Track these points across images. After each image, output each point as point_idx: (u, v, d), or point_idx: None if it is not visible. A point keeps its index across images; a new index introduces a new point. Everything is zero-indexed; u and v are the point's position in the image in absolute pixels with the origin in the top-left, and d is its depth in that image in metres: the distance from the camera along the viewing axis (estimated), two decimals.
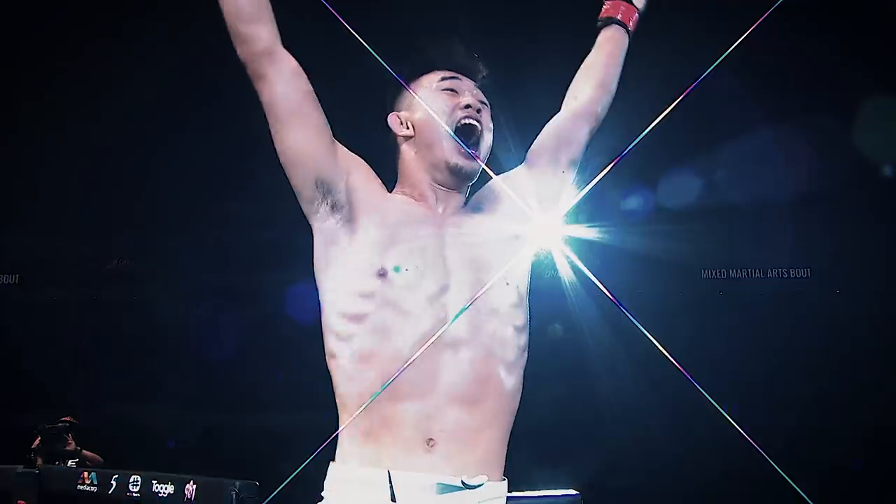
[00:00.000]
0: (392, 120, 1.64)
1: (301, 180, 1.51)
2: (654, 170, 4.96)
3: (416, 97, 1.62)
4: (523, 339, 1.54)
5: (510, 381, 1.48)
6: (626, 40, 1.85)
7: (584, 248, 4.89)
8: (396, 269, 1.46)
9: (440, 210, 1.60)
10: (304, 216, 1.55)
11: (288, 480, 1.75)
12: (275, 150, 1.51)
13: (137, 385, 5.54)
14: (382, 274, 1.46)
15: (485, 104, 1.63)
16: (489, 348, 1.46)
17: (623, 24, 1.85)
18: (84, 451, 4.11)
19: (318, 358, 1.54)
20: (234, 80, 1.53)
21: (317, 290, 1.54)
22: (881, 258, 5.18)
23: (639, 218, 5.07)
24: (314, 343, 1.60)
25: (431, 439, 1.40)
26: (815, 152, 4.72)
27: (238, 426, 5.53)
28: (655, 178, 5.04)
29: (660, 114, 2.12)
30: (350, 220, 1.52)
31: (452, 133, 1.57)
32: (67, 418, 4.20)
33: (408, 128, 1.62)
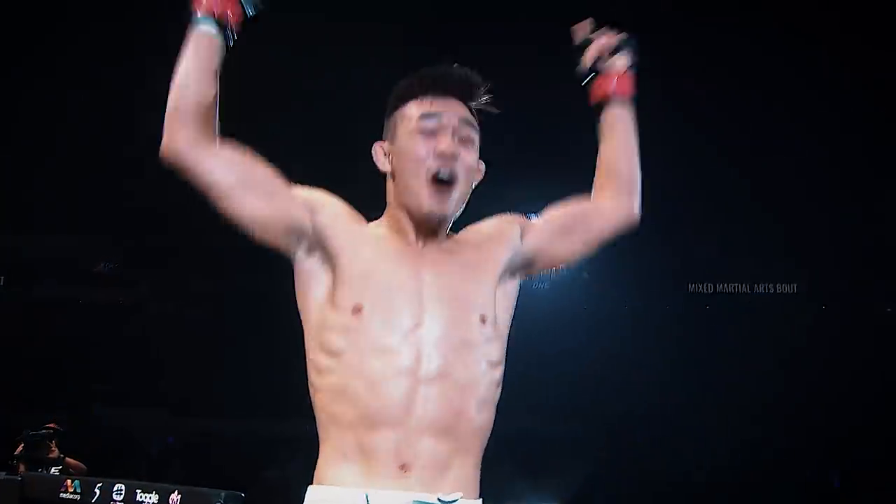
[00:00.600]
0: (375, 150, 1.63)
1: (269, 239, 1.51)
2: (642, 180, 4.96)
3: (397, 133, 1.60)
4: (497, 373, 1.56)
5: (482, 414, 1.51)
6: (630, 114, 1.71)
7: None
8: (371, 306, 1.49)
9: (420, 244, 1.59)
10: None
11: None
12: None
13: (123, 389, 5.51)
14: (357, 310, 1.49)
15: (467, 139, 1.58)
16: (461, 383, 1.49)
17: (621, 96, 1.72)
18: (67, 459, 4.06)
19: (303, 366, 1.54)
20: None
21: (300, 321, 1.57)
22: (868, 274, 5.23)
23: (626, 230, 5.07)
24: (300, 350, 1.59)
25: (405, 465, 1.44)
26: (804, 169, 4.74)
27: (223, 433, 5.52)
28: (643, 188, 5.04)
29: (646, 122, 2.13)
30: (325, 259, 1.54)
31: (428, 181, 1.53)
32: (51, 425, 4.15)
33: (389, 162, 1.61)
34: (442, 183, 1.54)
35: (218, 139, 1.50)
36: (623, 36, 1.73)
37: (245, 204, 1.50)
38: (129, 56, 4.83)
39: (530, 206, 1.80)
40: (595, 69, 1.72)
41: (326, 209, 1.55)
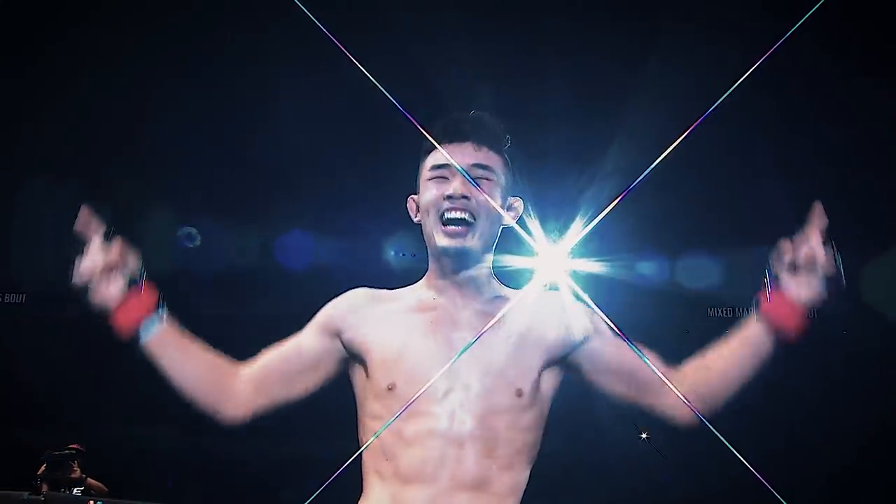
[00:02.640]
0: (409, 203, 1.74)
1: (330, 380, 1.71)
2: (661, 205, 4.96)
3: (419, 185, 1.70)
4: (532, 436, 1.62)
5: (514, 475, 1.58)
6: (771, 351, 1.57)
7: (592, 283, 4.88)
8: (403, 383, 1.58)
9: (456, 304, 1.66)
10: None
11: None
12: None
13: (143, 407, 5.51)
14: (391, 388, 1.59)
15: (482, 173, 1.64)
16: (492, 445, 1.56)
17: (777, 329, 1.55)
18: (89, 480, 4.09)
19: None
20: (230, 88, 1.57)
21: None
22: (889, 297, 5.18)
23: (646, 254, 5.07)
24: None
25: None
26: (825, 191, 4.72)
27: (242, 453, 5.50)
28: (663, 213, 5.03)
29: (667, 147, 2.12)
30: (358, 357, 1.67)
31: (440, 222, 1.64)
32: (74, 445, 4.18)
33: (417, 212, 1.72)
34: (452, 222, 1.62)
35: (242, 383, 1.65)
36: (832, 261, 1.45)
37: (302, 392, 1.68)
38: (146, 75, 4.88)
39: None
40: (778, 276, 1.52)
41: (347, 323, 1.68)
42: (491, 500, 1.55)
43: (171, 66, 4.85)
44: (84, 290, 1.52)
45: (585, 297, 1.75)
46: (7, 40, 4.89)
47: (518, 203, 1.73)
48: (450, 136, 1.67)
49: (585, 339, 1.66)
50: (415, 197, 1.72)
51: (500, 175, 1.66)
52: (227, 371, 1.64)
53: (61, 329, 5.71)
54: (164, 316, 1.58)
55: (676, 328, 5.28)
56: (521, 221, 1.84)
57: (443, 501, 1.53)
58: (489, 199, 1.64)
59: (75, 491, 3.96)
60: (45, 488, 3.95)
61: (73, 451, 4.14)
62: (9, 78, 5.04)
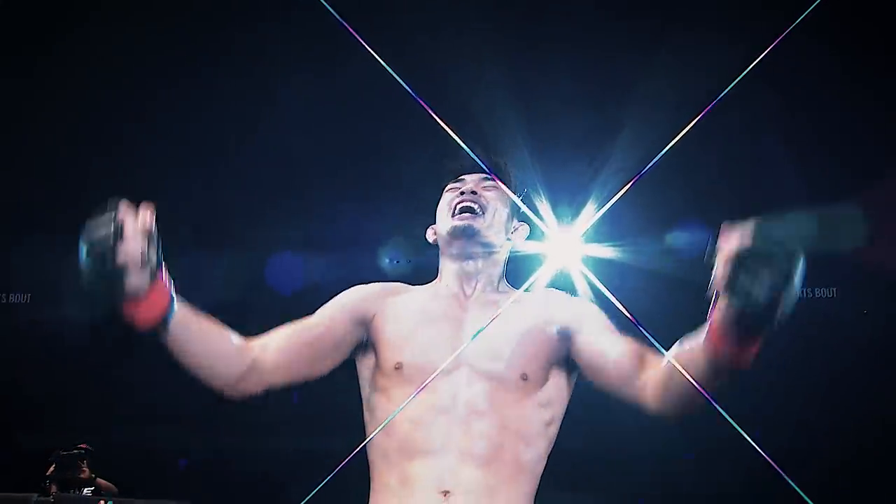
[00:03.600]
0: (429, 233, 1.83)
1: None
2: (674, 188, 4.89)
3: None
4: (548, 413, 1.61)
5: (528, 452, 1.57)
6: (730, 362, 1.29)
7: (604, 268, 4.82)
8: (409, 362, 1.60)
9: (465, 296, 1.71)
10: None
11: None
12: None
13: (149, 407, 5.47)
14: (398, 367, 1.60)
15: (491, 185, 1.76)
16: (504, 421, 1.56)
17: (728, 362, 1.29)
18: (98, 480, 4.06)
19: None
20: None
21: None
22: None
23: (661, 238, 5.00)
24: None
25: (447, 491, 1.49)
26: (842, 170, 4.64)
27: (250, 450, 5.47)
28: (676, 196, 4.96)
29: (680, 131, 2.09)
30: (373, 340, 1.69)
31: (451, 215, 1.74)
32: (83, 445, 4.16)
33: (434, 234, 1.81)
34: (463, 210, 1.70)
35: (255, 355, 1.60)
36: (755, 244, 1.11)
37: (315, 374, 1.67)
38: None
39: None
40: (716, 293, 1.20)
41: (370, 309, 1.69)
42: (502, 474, 1.53)
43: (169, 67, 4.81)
44: (110, 279, 1.39)
45: (595, 280, 1.73)
46: (25, 36, 4.86)
47: (524, 228, 1.82)
48: (462, 171, 1.80)
49: (576, 333, 1.66)
50: (433, 226, 1.82)
51: (508, 195, 1.76)
52: (242, 346, 1.60)
53: (66, 329, 5.69)
54: (177, 296, 1.49)
55: (688, 314, 5.19)
56: (533, 208, 1.88)
57: (451, 475, 1.51)
58: (497, 198, 1.75)
59: (85, 491, 3.93)
60: (54, 489, 3.93)
61: (82, 451, 4.12)
62: (17, 78, 5.01)
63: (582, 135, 4.72)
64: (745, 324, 1.19)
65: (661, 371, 1.48)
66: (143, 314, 1.42)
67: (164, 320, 1.45)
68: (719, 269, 1.16)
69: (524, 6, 4.70)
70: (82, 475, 4.04)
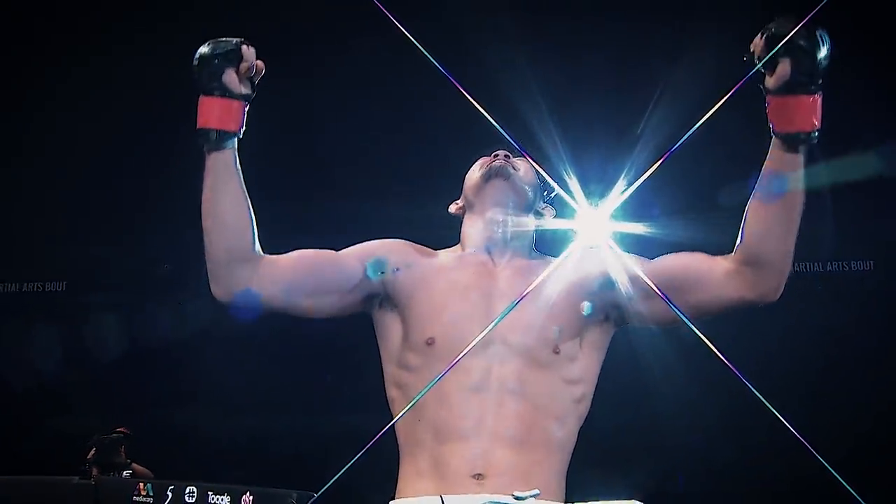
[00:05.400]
0: (451, 207, 1.79)
1: (347, 313, 1.63)
2: (706, 162, 4.80)
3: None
4: (578, 390, 1.58)
5: (560, 430, 1.54)
6: (796, 162, 1.38)
7: (635, 244, 4.75)
8: (442, 337, 1.55)
9: (494, 262, 1.66)
10: None
11: (328, 486, 1.79)
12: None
13: (185, 390, 5.54)
14: (430, 343, 1.55)
15: (521, 160, 1.74)
16: (535, 400, 1.52)
17: (782, 132, 1.37)
18: (134, 465, 4.12)
19: (366, 358, 1.67)
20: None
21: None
22: None
23: (691, 211, 4.92)
24: (362, 343, 1.73)
25: (480, 474, 1.47)
26: (877, 136, 4.52)
27: (285, 430, 5.52)
28: (707, 170, 4.87)
29: (712, 106, 2.04)
30: (397, 306, 1.62)
31: (483, 171, 1.71)
32: (122, 429, 4.22)
33: (458, 206, 1.78)
34: (497, 169, 1.68)
35: (265, 260, 1.53)
36: (779, 27, 1.29)
37: (315, 309, 1.58)
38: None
39: None
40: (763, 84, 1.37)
41: (391, 261, 1.63)
42: (535, 455, 1.51)
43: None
44: (224, 53, 1.44)
45: (626, 258, 1.68)
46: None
47: (549, 211, 1.79)
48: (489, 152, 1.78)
49: (617, 280, 1.62)
50: (457, 201, 1.79)
51: (539, 171, 1.75)
52: (256, 240, 1.53)
53: (102, 316, 5.78)
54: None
55: None
56: (563, 184, 1.83)
57: (484, 458, 1.48)
58: (527, 168, 1.74)
59: (124, 474, 4.00)
60: (94, 472, 3.99)
61: (121, 435, 4.18)
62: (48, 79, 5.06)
63: (613, 110, 4.66)
64: (792, 80, 1.31)
65: (745, 226, 1.47)
66: (219, 112, 1.44)
67: (225, 134, 1.46)
68: (758, 45, 1.33)
69: None
70: (120, 459, 4.10)
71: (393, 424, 1.59)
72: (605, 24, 4.57)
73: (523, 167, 1.71)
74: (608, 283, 1.60)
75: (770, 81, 1.35)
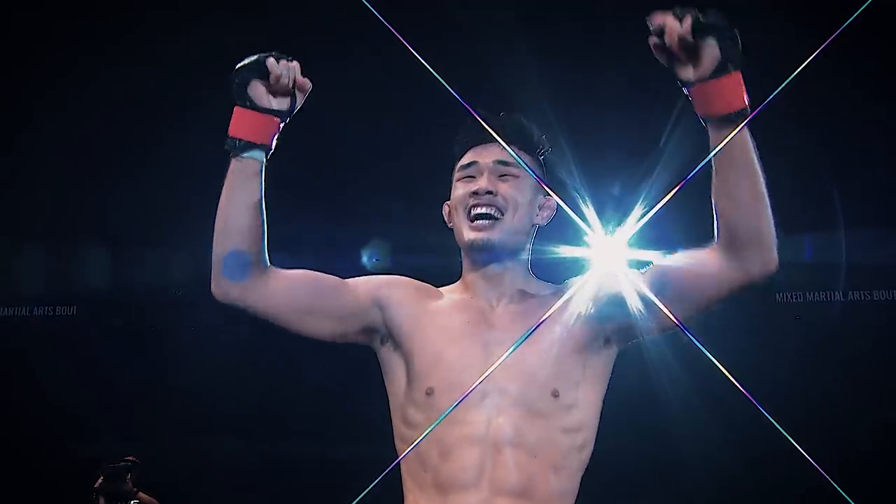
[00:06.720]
0: (444, 210, 1.76)
1: (345, 340, 1.65)
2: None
3: (451, 189, 1.72)
4: (579, 438, 1.56)
5: (561, 480, 1.53)
6: (740, 139, 1.40)
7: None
8: (440, 388, 1.55)
9: (491, 305, 1.65)
10: None
11: None
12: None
13: (197, 416, 5.49)
14: (429, 393, 1.56)
15: (507, 172, 1.65)
16: (535, 450, 1.51)
17: (715, 114, 1.41)
18: (140, 493, 4.09)
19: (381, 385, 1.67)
20: None
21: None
22: None
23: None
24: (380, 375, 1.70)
25: None
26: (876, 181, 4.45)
27: (298, 457, 5.46)
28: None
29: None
30: (398, 346, 1.63)
31: (467, 218, 1.64)
32: (130, 458, 4.20)
33: (450, 214, 1.74)
34: (478, 217, 1.61)
35: (269, 270, 1.55)
36: (694, 14, 1.35)
37: (315, 329, 1.60)
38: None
39: None
40: (677, 74, 1.41)
41: (393, 300, 1.63)
42: (539, 502, 1.50)
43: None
44: (258, 65, 1.49)
45: (640, 285, 1.61)
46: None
47: (550, 203, 1.72)
48: (477, 140, 1.70)
49: (614, 296, 1.60)
50: (449, 203, 1.75)
51: (530, 172, 1.67)
52: (265, 254, 1.56)
53: (113, 341, 5.75)
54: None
55: (741, 315, 5.04)
56: (577, 210, 1.80)
57: None
58: (515, 194, 1.65)
59: (131, 503, 3.96)
60: (102, 501, 3.96)
61: (129, 464, 4.16)
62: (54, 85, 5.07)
63: (628, 136, 4.62)
64: (724, 60, 1.36)
65: (717, 213, 1.47)
66: (244, 122, 1.49)
67: (249, 144, 1.49)
68: (674, 40, 1.34)
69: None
70: (126, 488, 4.07)
71: (400, 470, 1.61)
72: (626, 42, 4.53)
73: (511, 198, 1.64)
74: (609, 312, 1.59)
75: (700, 69, 1.38)
